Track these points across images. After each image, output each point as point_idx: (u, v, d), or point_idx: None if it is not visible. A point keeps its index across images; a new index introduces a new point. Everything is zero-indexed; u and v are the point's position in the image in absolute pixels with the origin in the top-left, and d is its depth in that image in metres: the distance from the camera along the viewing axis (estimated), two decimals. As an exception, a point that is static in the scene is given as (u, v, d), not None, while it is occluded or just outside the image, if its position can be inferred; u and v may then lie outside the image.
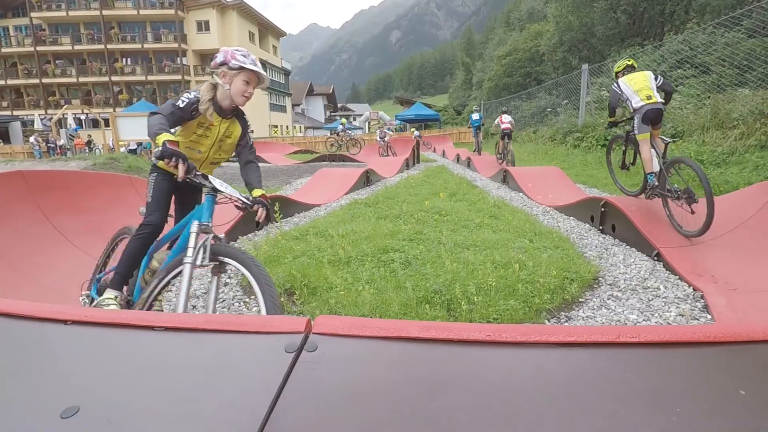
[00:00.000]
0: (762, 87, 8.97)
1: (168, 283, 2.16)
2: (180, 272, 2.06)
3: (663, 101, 4.57)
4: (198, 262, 2.03)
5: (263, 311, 1.83)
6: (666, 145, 4.59)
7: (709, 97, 10.02)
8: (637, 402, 0.58)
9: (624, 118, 5.23)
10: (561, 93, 18.42)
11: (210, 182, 2.22)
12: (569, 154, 13.36)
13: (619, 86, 4.79)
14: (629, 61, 5.09)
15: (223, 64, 2.26)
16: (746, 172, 6.70)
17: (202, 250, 2.05)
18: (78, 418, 0.56)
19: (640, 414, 0.56)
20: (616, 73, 5.09)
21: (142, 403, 0.60)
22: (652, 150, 4.61)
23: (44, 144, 24.17)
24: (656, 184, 4.56)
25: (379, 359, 0.67)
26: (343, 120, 22.39)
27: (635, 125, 4.62)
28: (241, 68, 2.24)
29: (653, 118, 4.48)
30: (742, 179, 6.44)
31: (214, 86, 2.30)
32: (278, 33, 48.31)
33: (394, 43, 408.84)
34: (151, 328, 0.76)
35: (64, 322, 0.79)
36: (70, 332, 0.77)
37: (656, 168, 4.57)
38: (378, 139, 18.79)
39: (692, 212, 4.06)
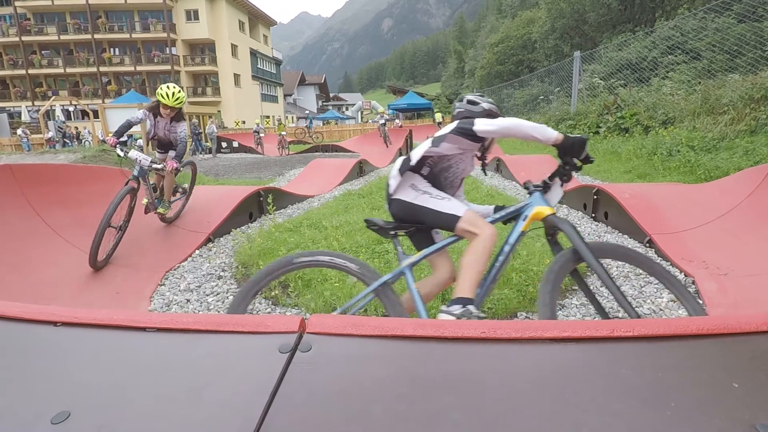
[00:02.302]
0: (751, 72, 9.01)
1: None
2: None
3: None
4: None
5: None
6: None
7: (699, 83, 10.05)
8: (632, 397, 0.58)
9: None
10: (553, 80, 18.41)
11: None
12: (562, 142, 13.36)
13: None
14: None
15: None
16: (736, 158, 6.75)
17: None
18: (69, 423, 0.55)
19: (635, 409, 0.56)
20: None
21: (135, 406, 0.59)
22: None
23: (60, 136, 23.71)
24: None
25: (374, 358, 0.67)
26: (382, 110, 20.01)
27: None
28: None
29: None
30: (732, 164, 6.49)
31: None
32: (269, 22, 47.69)
33: (386, 32, 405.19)
34: (143, 329, 0.75)
35: (54, 323, 0.78)
36: (61, 334, 0.76)
37: None
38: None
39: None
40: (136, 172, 4.10)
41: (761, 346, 0.66)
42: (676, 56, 12.48)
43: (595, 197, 5.07)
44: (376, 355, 0.68)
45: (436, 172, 2.23)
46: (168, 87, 4.30)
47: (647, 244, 4.02)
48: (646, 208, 4.42)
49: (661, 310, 2.93)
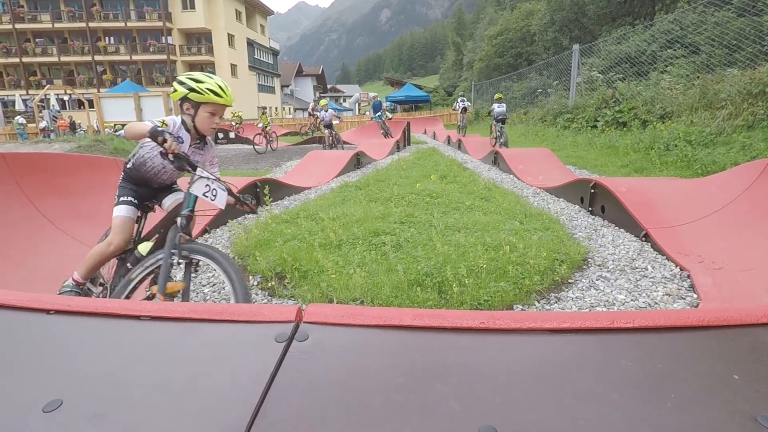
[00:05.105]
0: (750, 67, 9.00)
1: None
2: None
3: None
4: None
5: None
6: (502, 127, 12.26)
7: (698, 77, 10.04)
8: (631, 388, 0.57)
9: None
10: (552, 74, 18.37)
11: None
12: (559, 136, 13.36)
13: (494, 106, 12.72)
14: (499, 95, 12.75)
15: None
16: (733, 153, 6.76)
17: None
18: (61, 411, 0.54)
19: (634, 400, 0.55)
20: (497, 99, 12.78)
21: (129, 395, 0.58)
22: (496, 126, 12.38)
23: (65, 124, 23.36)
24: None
25: (372, 348, 0.66)
26: (323, 102, 15.93)
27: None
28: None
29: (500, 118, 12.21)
30: (729, 159, 6.50)
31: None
32: (266, 11, 47.22)
33: (384, 23, 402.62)
34: (138, 317, 0.74)
35: (47, 311, 0.77)
36: (54, 322, 0.75)
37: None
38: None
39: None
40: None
41: (761, 339, 0.66)
42: (675, 50, 12.45)
43: (593, 191, 5.07)
44: (373, 344, 0.67)
45: None
46: (218, 81, 2.32)
47: (643, 238, 4.03)
48: (642, 203, 4.43)
49: (656, 303, 2.94)
